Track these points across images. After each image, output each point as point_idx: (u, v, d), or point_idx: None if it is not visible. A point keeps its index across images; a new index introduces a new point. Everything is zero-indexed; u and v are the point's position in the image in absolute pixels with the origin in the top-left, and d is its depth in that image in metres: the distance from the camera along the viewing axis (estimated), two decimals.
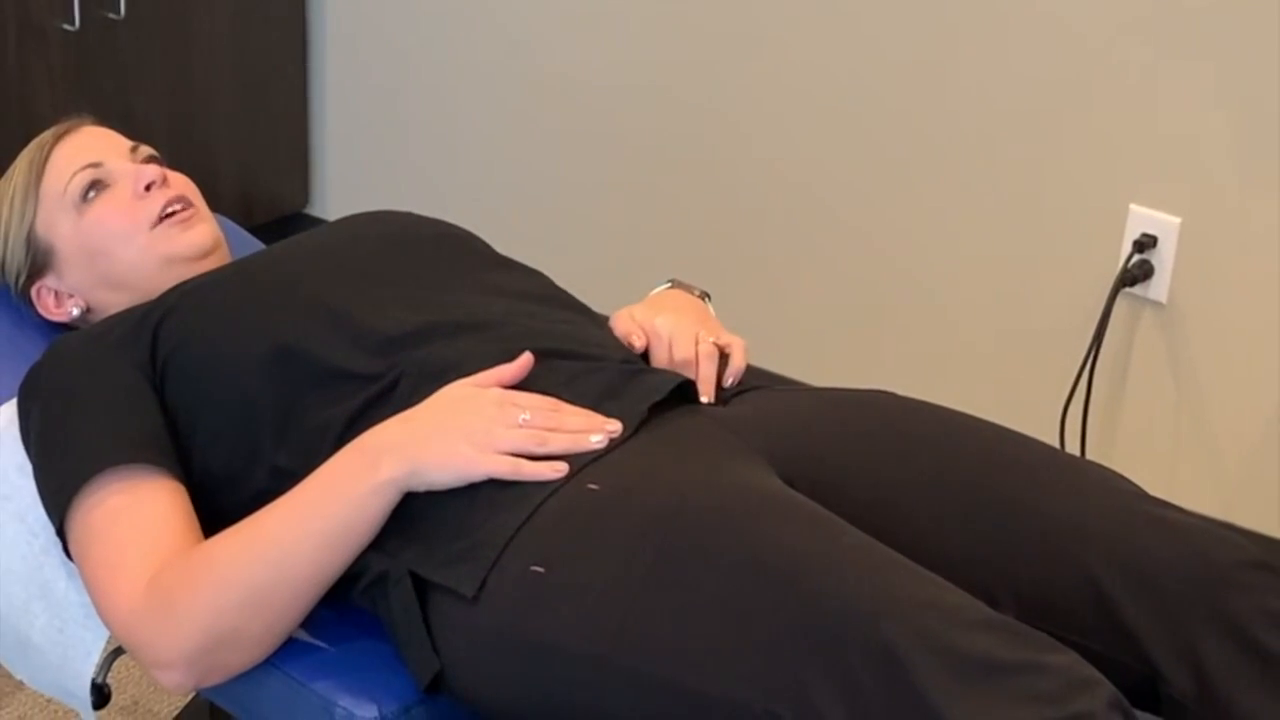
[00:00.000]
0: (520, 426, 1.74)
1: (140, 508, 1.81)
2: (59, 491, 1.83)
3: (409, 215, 2.17)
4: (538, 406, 1.77)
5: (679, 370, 1.94)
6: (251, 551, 1.74)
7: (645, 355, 1.99)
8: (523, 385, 1.80)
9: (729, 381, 1.97)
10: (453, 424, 1.73)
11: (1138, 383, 3.01)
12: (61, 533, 1.84)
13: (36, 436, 1.89)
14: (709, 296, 2.11)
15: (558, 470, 1.71)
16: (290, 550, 1.74)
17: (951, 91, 3.07)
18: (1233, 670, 1.62)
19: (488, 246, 2.13)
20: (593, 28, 3.45)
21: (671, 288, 2.11)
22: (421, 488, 1.73)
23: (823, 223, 3.27)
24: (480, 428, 1.73)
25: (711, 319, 2.05)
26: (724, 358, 1.98)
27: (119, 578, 1.78)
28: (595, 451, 1.74)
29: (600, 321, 2.03)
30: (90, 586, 1.82)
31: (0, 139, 3.14)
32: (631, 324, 2.02)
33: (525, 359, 1.81)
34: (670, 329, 1.99)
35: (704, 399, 1.92)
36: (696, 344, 1.97)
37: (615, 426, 1.76)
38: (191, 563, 1.76)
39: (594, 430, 1.76)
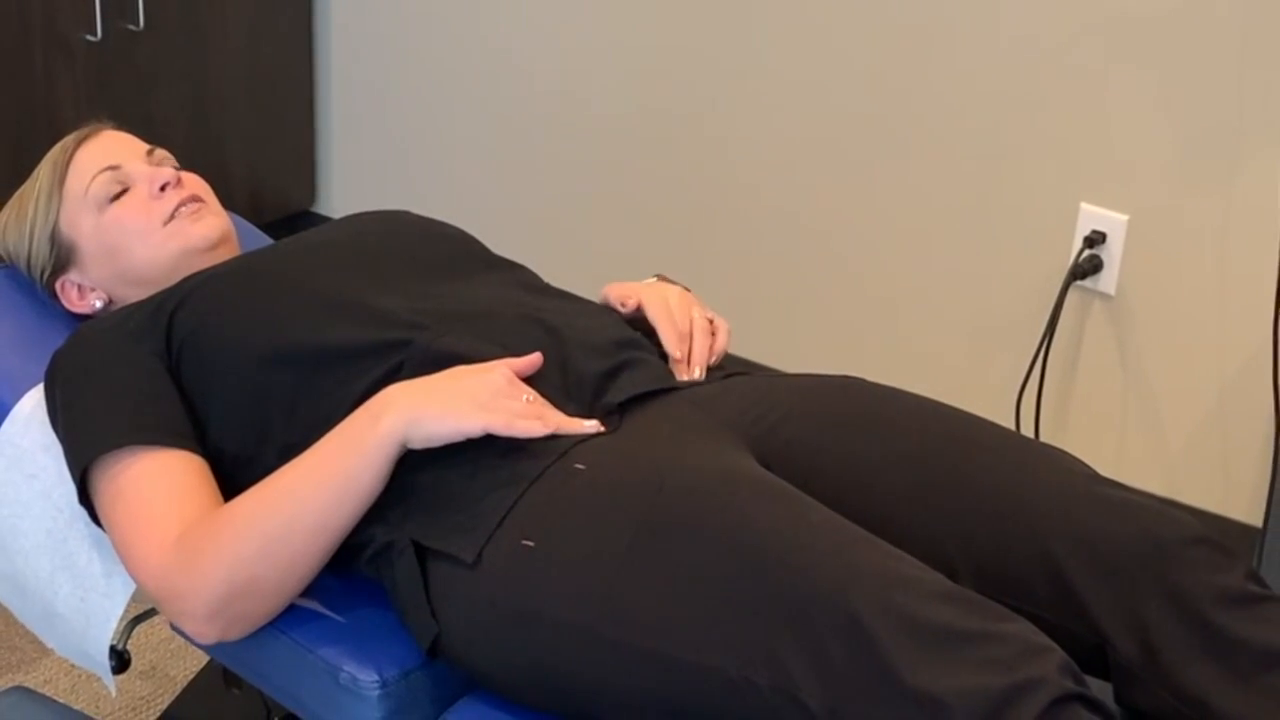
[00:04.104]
0: (525, 402, 1.75)
1: (167, 473, 1.81)
2: (85, 456, 1.83)
3: (409, 214, 2.16)
4: (537, 396, 1.77)
5: (675, 333, 1.97)
6: (267, 503, 1.75)
7: (634, 325, 2.00)
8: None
9: (712, 360, 1.98)
10: (460, 386, 1.74)
11: (1088, 369, 3.01)
12: (85, 496, 1.84)
13: (63, 415, 1.89)
14: (689, 290, 2.11)
15: (548, 427, 1.73)
16: (301, 500, 1.74)
17: (914, 98, 3.07)
18: (1176, 639, 1.62)
19: (482, 246, 2.13)
20: (581, 38, 3.45)
21: (659, 281, 2.11)
22: (420, 442, 1.72)
23: (799, 223, 3.27)
24: (485, 392, 1.74)
25: (700, 302, 2.06)
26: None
27: (149, 534, 1.78)
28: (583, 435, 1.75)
29: (588, 308, 2.03)
30: (119, 543, 1.81)
31: (27, 142, 3.15)
32: (625, 290, 2.05)
33: (535, 357, 1.81)
34: (667, 296, 2.02)
35: (695, 373, 1.94)
36: (692, 317, 2.00)
37: (602, 429, 1.78)
38: (215, 519, 1.76)
39: (583, 423, 1.77)
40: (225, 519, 1.76)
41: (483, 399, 1.73)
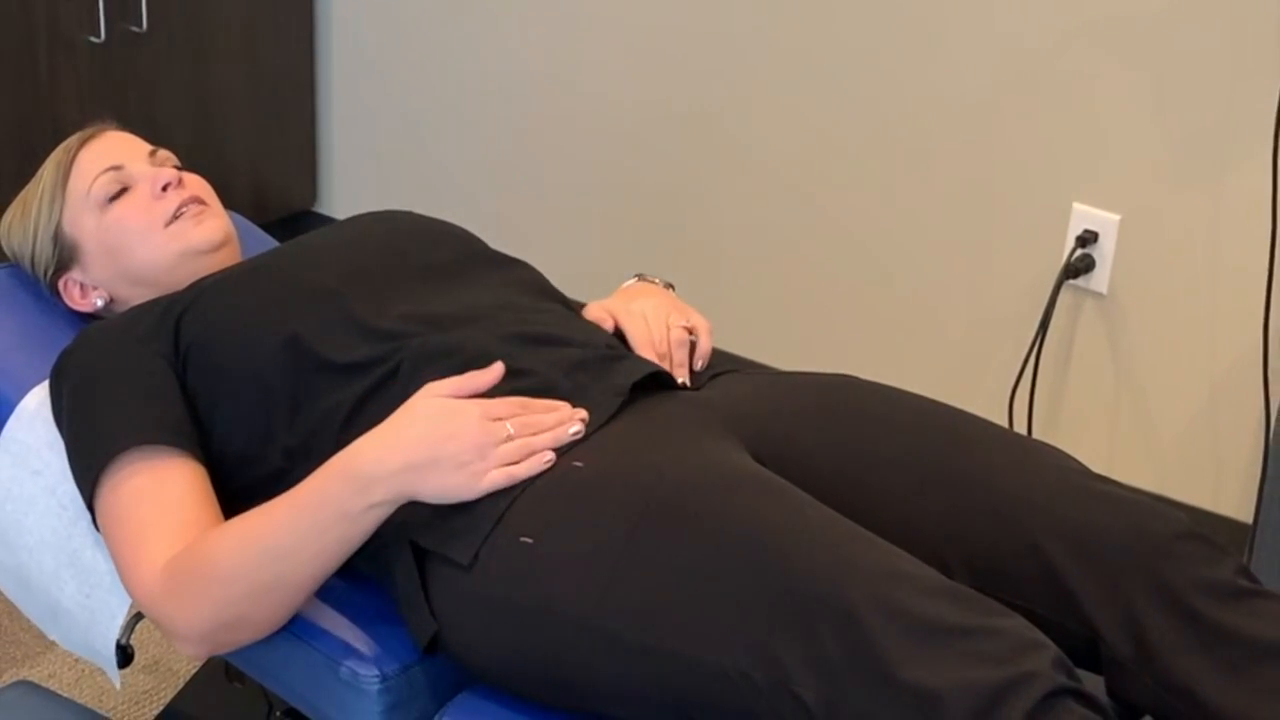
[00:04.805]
0: (507, 439, 1.70)
1: (162, 488, 1.80)
2: (88, 469, 1.83)
3: (411, 215, 2.16)
4: (512, 413, 1.72)
5: (654, 354, 1.94)
6: (252, 557, 1.72)
7: (620, 336, 1.98)
8: (514, 372, 1.78)
9: (699, 365, 1.97)
10: (443, 452, 1.67)
11: (1080, 367, 3.01)
12: (91, 506, 1.84)
13: (68, 417, 1.89)
14: (673, 287, 2.10)
15: (547, 462, 1.69)
16: (289, 559, 1.71)
17: (907, 99, 3.07)
18: (1167, 632, 1.63)
19: (483, 244, 2.13)
20: (584, 35, 3.45)
21: (638, 281, 2.10)
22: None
23: (793, 222, 3.27)
24: (471, 453, 1.68)
25: (681, 303, 2.05)
26: (693, 344, 1.98)
27: (140, 560, 1.77)
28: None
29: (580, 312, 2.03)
30: (116, 563, 1.81)
31: (32, 142, 3.15)
32: (602, 311, 2.01)
33: (497, 369, 1.75)
34: (643, 310, 1.99)
35: (679, 381, 1.92)
36: (668, 329, 1.97)
37: (584, 414, 1.75)
38: (201, 559, 1.74)
39: (567, 421, 1.74)
40: (209, 563, 1.73)
41: (469, 459, 1.67)
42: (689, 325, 1.99)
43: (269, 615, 1.76)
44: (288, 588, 1.73)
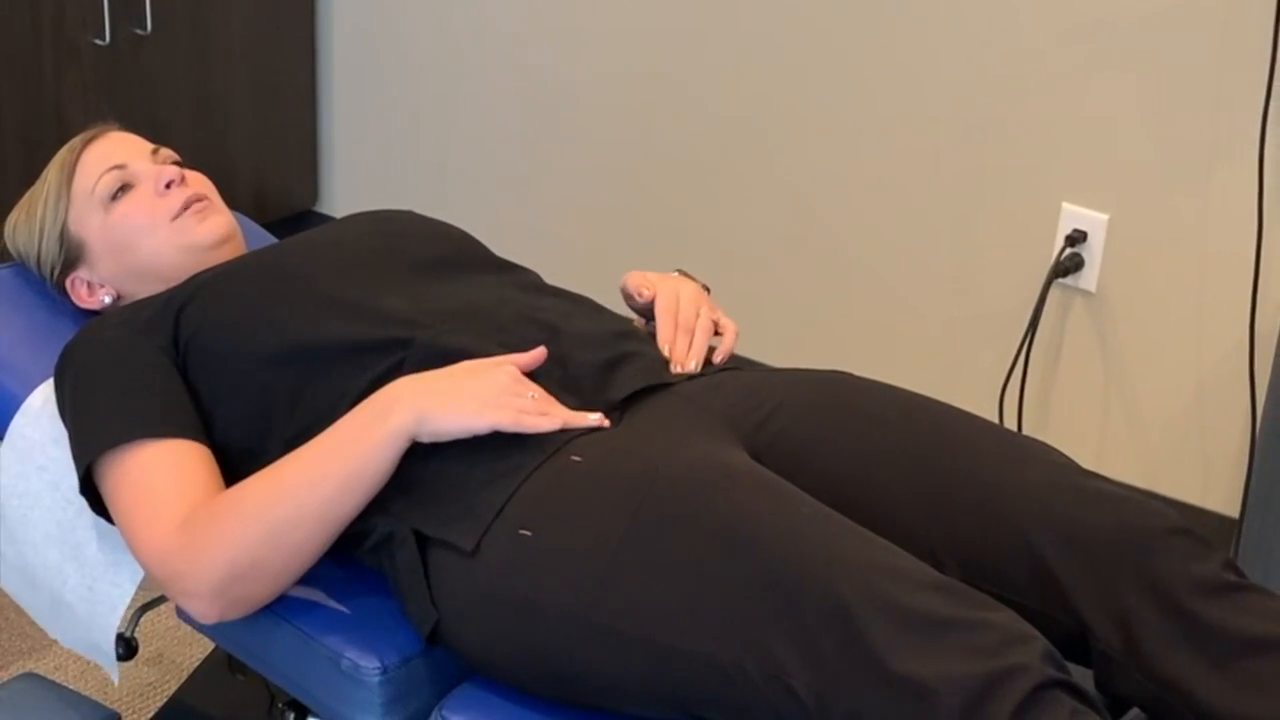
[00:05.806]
0: (529, 399, 1.75)
1: (172, 459, 1.80)
2: (86, 453, 1.82)
3: (411, 214, 2.16)
4: (542, 393, 1.78)
5: (677, 329, 1.97)
6: (273, 492, 1.74)
7: (642, 315, 2.00)
8: None
9: (718, 358, 1.98)
10: (465, 384, 1.75)
11: (1069, 365, 3.01)
12: (86, 485, 1.83)
13: (71, 408, 1.88)
14: (708, 289, 2.11)
15: (554, 423, 1.73)
16: (308, 491, 1.73)
17: (899, 100, 3.07)
18: (1156, 627, 1.63)
19: (483, 247, 2.13)
20: (586, 36, 3.45)
21: (680, 274, 2.12)
22: (428, 437, 1.73)
23: (785, 221, 3.27)
24: (491, 391, 1.74)
25: (713, 304, 2.07)
26: (716, 336, 2.01)
27: (155, 516, 1.77)
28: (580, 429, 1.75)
29: (584, 307, 2.03)
30: (125, 527, 1.81)
31: (37, 143, 3.15)
32: (644, 280, 2.06)
33: (540, 352, 1.82)
34: (679, 290, 2.03)
35: (690, 366, 1.93)
36: (698, 315, 2.00)
37: (605, 423, 1.78)
38: (220, 503, 1.76)
39: (586, 416, 1.78)
40: (230, 504, 1.75)
41: (488, 397, 1.73)
42: (718, 320, 2.02)
43: (281, 564, 1.75)
44: (303, 528, 1.73)
